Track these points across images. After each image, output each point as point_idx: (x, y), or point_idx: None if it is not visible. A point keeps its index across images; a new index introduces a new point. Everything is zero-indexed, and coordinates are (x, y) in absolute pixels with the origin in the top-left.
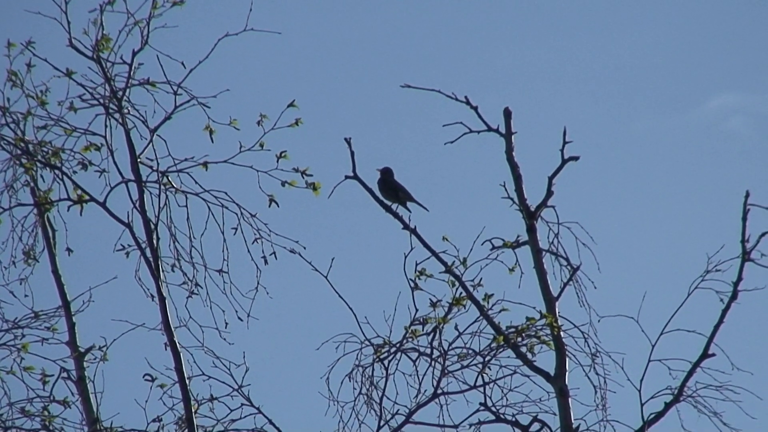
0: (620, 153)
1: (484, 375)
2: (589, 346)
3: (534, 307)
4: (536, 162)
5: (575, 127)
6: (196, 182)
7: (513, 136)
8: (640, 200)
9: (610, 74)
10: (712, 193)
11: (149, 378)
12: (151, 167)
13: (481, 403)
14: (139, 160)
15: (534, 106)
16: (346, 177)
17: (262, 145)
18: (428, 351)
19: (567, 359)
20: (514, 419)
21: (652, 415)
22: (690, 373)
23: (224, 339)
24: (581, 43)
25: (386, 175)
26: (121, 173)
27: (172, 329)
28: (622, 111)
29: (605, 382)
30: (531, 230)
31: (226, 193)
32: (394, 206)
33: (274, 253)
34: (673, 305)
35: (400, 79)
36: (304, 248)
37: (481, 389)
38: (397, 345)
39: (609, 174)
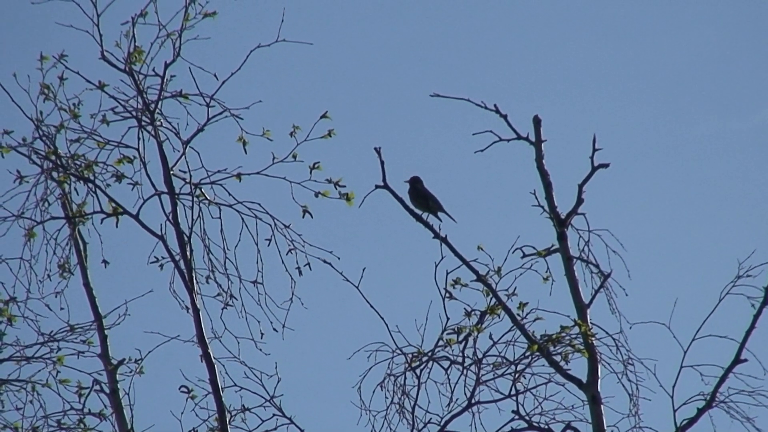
0: (648, 159)
1: (517, 384)
2: (621, 353)
3: (568, 316)
4: (566, 170)
5: (604, 134)
6: (230, 194)
7: (543, 144)
8: (669, 206)
9: (641, 80)
10: (742, 198)
11: (185, 390)
12: (184, 179)
13: (513, 411)
14: (172, 172)
15: (563, 113)
16: (377, 186)
17: (295, 157)
18: (460, 360)
19: (599, 366)
20: (547, 427)
21: (685, 421)
22: (722, 379)
23: (260, 350)
24: (614, 49)
25: (416, 184)
26: (154, 186)
27: (207, 341)
28: (652, 117)
29: (637, 388)
30: (562, 238)
31: (259, 205)
32: (424, 215)
33: (309, 263)
34: (704, 311)
35: (429, 88)
36: (338, 258)
37: (515, 398)
38: (429, 354)
39: (638, 181)
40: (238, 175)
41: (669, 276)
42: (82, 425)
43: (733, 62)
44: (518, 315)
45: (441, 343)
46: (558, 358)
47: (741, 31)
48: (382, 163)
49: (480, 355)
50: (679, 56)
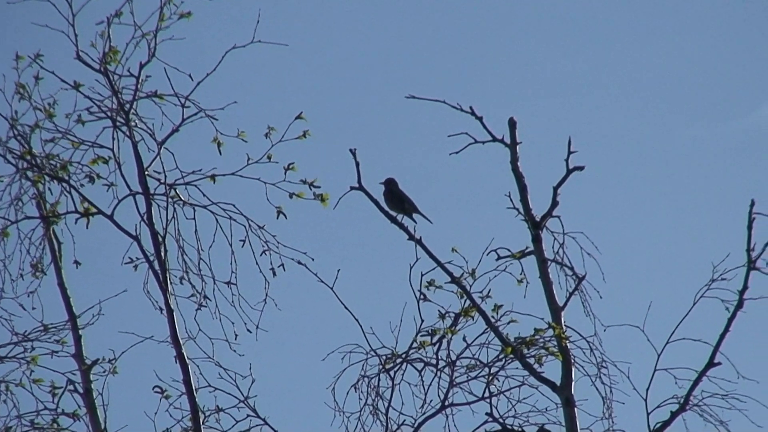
0: (623, 163)
1: (491, 386)
2: (595, 355)
3: (542, 318)
4: (541, 172)
5: (580, 138)
6: (204, 195)
7: (518, 147)
8: (644, 210)
9: (617, 84)
10: (716, 201)
11: (159, 390)
12: (158, 180)
13: (487, 414)
14: (146, 172)
15: (539, 116)
16: (352, 188)
17: (269, 158)
18: (434, 362)
19: (573, 369)
20: (520, 430)
21: (659, 424)
22: (696, 382)
23: (234, 351)
24: (589, 53)
25: (391, 185)
26: (128, 186)
27: (181, 341)
28: (627, 121)
29: (611, 391)
30: (536, 240)
31: (234, 206)
32: (399, 217)
33: (283, 264)
34: (678, 314)
35: (405, 90)
36: (312, 260)
37: (488, 400)
38: (403, 355)
39: (614, 184)
40: (213, 176)
41: (643, 279)
42: (55, 425)
43: (710, 69)
44: (492, 317)
45: (415, 344)
46: (532, 360)
47: (720, 35)
48: (357, 164)
49: (454, 357)
50: (657, 60)
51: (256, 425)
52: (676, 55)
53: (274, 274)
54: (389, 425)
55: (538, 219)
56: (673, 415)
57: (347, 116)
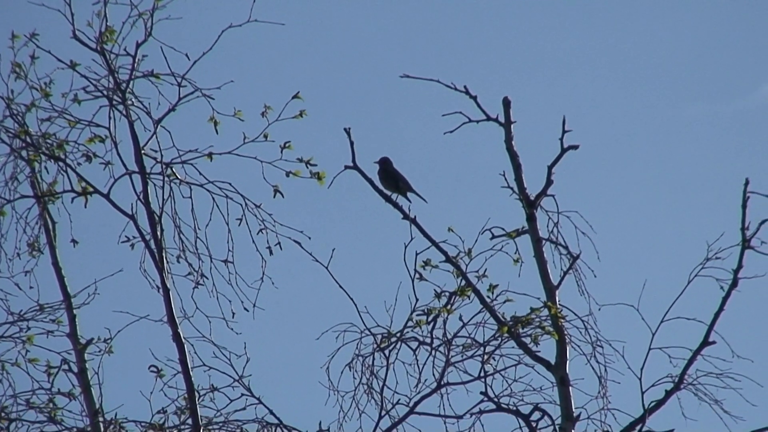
0: (618, 141)
1: (486, 365)
2: (589, 334)
3: (538, 298)
4: (536, 151)
5: (574, 116)
6: (201, 173)
7: (512, 126)
8: (638, 188)
9: (612, 62)
10: (711, 180)
11: (154, 369)
12: (155, 159)
13: (482, 393)
14: (143, 151)
15: (533, 95)
16: (346, 167)
17: (266, 136)
18: (429, 341)
19: (568, 348)
20: (515, 409)
21: (653, 403)
22: (690, 361)
23: (231, 329)
24: (584, 31)
25: (385, 165)
26: (125, 165)
27: (177, 320)
28: (622, 100)
29: (606, 370)
30: (531, 219)
31: (230, 184)
32: (393, 196)
33: (279, 243)
34: (673, 293)
35: (399, 69)
36: (309, 238)
37: (483, 379)
38: (398, 335)
39: (608, 162)
40: (209, 155)
41: (638, 258)
42: (51, 404)
43: (708, 47)
44: (488, 297)
45: (410, 324)
46: (527, 339)
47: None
48: (352, 143)
49: (449, 337)
50: (655, 38)
51: (251, 404)
52: (674, 34)
53: (271, 252)
54: (384, 404)
55: (532, 198)
56: (668, 394)
57: (343, 95)
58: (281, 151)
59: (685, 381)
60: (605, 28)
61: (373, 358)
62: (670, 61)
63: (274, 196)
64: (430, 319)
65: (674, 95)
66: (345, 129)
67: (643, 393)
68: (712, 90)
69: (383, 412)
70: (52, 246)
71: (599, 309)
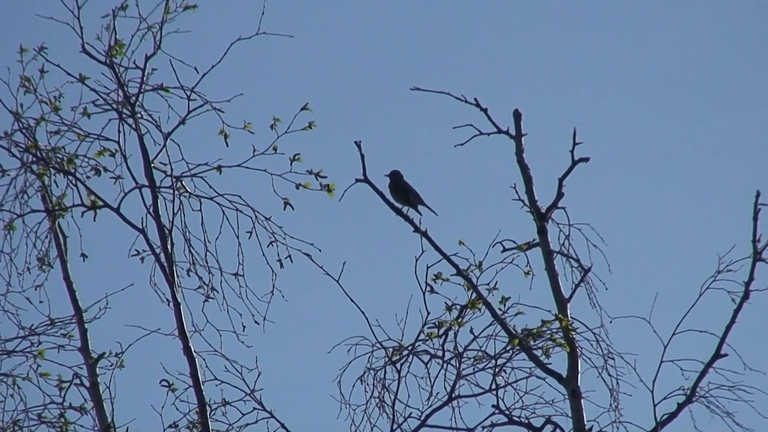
0: (628, 154)
1: (497, 378)
2: (601, 347)
3: (549, 311)
4: (547, 164)
5: (585, 129)
6: (211, 187)
7: (523, 138)
8: (650, 201)
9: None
10: (722, 192)
11: (166, 383)
12: (164, 172)
13: (494, 406)
14: (152, 165)
15: (544, 107)
16: (357, 180)
17: (275, 149)
18: (440, 354)
19: (579, 361)
20: (527, 421)
21: (665, 416)
22: (702, 374)
23: (242, 342)
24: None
25: (396, 178)
26: (134, 178)
27: (188, 334)
28: (632, 112)
29: (618, 383)
30: (542, 232)
31: (240, 197)
32: (404, 209)
33: (290, 256)
34: (684, 306)
35: (410, 81)
36: (319, 251)
37: (495, 392)
38: (410, 348)
39: (619, 175)
40: (219, 168)
41: (649, 270)
42: (62, 419)
43: (715, 63)
44: (499, 309)
45: (421, 337)
46: (538, 352)
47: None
48: (363, 156)
49: (460, 350)
50: (662, 51)
51: (263, 418)
52: (686, 46)
53: (281, 265)
54: (396, 418)
55: (543, 211)
56: (680, 406)
57: (352, 108)
58: (291, 164)
59: (697, 393)
60: (615, 41)
61: (385, 372)
62: (676, 74)
63: (284, 209)
64: (441, 332)
65: (684, 108)
66: (356, 142)
67: (655, 405)
68: (722, 103)
69: (395, 426)
70: (63, 260)
71: (611, 322)
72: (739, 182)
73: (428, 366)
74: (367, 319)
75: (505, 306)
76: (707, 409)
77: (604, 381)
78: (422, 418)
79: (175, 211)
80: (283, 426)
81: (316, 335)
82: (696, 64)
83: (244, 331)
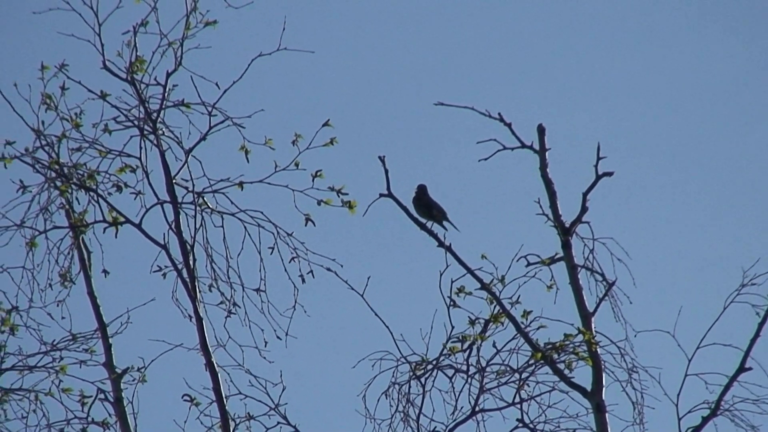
0: (652, 168)
1: (521, 392)
2: (625, 361)
3: (572, 324)
4: (571, 178)
5: (609, 143)
6: (232, 202)
7: (547, 153)
8: (674, 215)
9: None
10: (746, 206)
11: (189, 398)
12: (186, 188)
13: (518, 420)
14: (174, 181)
15: (568, 122)
16: (381, 195)
17: (297, 165)
18: (464, 368)
19: (604, 375)
20: None
21: (690, 430)
22: (727, 387)
23: (264, 358)
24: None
25: (420, 192)
26: (156, 195)
27: (210, 349)
28: (655, 125)
29: (642, 396)
30: (566, 246)
31: (262, 213)
32: (429, 224)
33: (312, 271)
34: (709, 319)
35: (433, 96)
36: (341, 266)
37: (519, 406)
38: (434, 362)
39: (643, 189)
40: (241, 184)
41: (674, 284)
42: None
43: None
44: (522, 323)
45: (445, 351)
46: (562, 366)
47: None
48: (386, 171)
49: (484, 363)
50: (689, 64)
51: None
52: (705, 61)
53: (303, 280)
54: (420, 431)
55: (567, 225)
56: (705, 420)
57: (375, 123)
58: (313, 180)
59: (721, 407)
60: (639, 54)
61: (409, 386)
62: (700, 87)
63: (306, 225)
64: (465, 346)
65: (707, 121)
66: (380, 157)
67: (679, 419)
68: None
69: None
70: (87, 275)
71: (635, 335)
72: (763, 196)
73: (453, 380)
74: (391, 333)
75: (527, 320)
76: (732, 423)
77: (628, 395)
78: (446, 431)
79: (197, 227)
80: None
81: (340, 350)
82: (719, 77)
83: (266, 346)
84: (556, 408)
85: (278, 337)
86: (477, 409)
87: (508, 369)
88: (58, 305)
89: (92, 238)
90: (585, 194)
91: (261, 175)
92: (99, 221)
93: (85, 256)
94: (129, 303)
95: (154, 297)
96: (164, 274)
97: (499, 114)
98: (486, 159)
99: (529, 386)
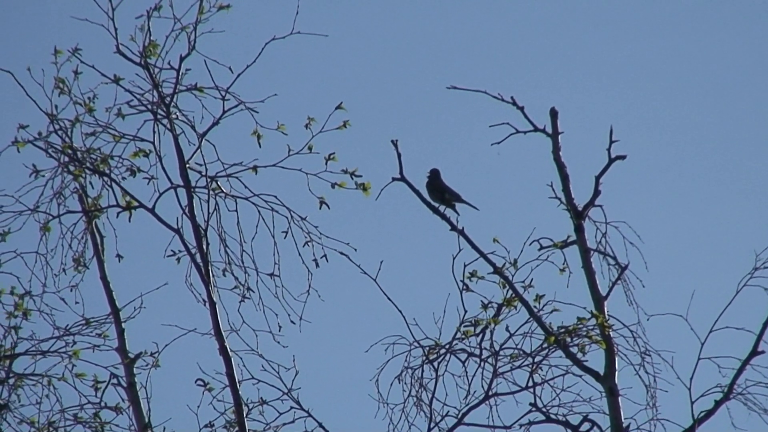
0: (665, 151)
1: (534, 376)
2: (638, 344)
3: (585, 308)
4: (583, 162)
5: (622, 126)
6: (246, 186)
7: (560, 136)
8: (686, 198)
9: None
10: (759, 189)
11: (202, 383)
12: (200, 172)
13: (531, 404)
14: (187, 165)
15: (580, 105)
16: (393, 179)
17: (310, 148)
18: (477, 352)
19: (616, 358)
20: (564, 419)
21: (703, 413)
22: (740, 371)
23: (278, 342)
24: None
25: (433, 176)
26: (169, 179)
27: (223, 334)
28: (668, 109)
29: (655, 380)
30: (579, 230)
31: (275, 197)
32: (441, 208)
33: (325, 255)
34: (721, 303)
35: (446, 80)
36: (355, 250)
37: (532, 390)
38: (447, 346)
39: (656, 172)
40: (254, 168)
41: (686, 268)
42: (98, 419)
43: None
44: (535, 307)
45: (458, 335)
46: (575, 349)
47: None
48: (399, 155)
49: (497, 348)
50: (702, 48)
51: (300, 417)
52: (717, 45)
53: (317, 265)
54: (433, 416)
55: (580, 208)
56: (717, 403)
57: (387, 107)
58: (326, 163)
59: (734, 391)
60: (651, 38)
61: (422, 370)
62: (713, 70)
63: (320, 208)
64: (478, 330)
65: (721, 104)
66: (392, 141)
67: (692, 403)
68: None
69: (432, 424)
70: (101, 260)
71: (648, 319)
72: None
73: (466, 364)
74: (404, 317)
75: (540, 303)
76: (745, 407)
77: (641, 378)
78: (459, 416)
79: (211, 212)
80: (320, 425)
81: (353, 334)
82: (733, 61)
83: (280, 330)
84: (569, 392)
85: (292, 322)
86: (490, 393)
87: (521, 353)
88: (71, 290)
89: (105, 222)
90: (598, 178)
91: (275, 159)
92: (112, 206)
93: (99, 241)
94: (142, 288)
95: (167, 282)
96: (178, 259)
97: (512, 98)
98: (499, 143)
99: (542, 370)
